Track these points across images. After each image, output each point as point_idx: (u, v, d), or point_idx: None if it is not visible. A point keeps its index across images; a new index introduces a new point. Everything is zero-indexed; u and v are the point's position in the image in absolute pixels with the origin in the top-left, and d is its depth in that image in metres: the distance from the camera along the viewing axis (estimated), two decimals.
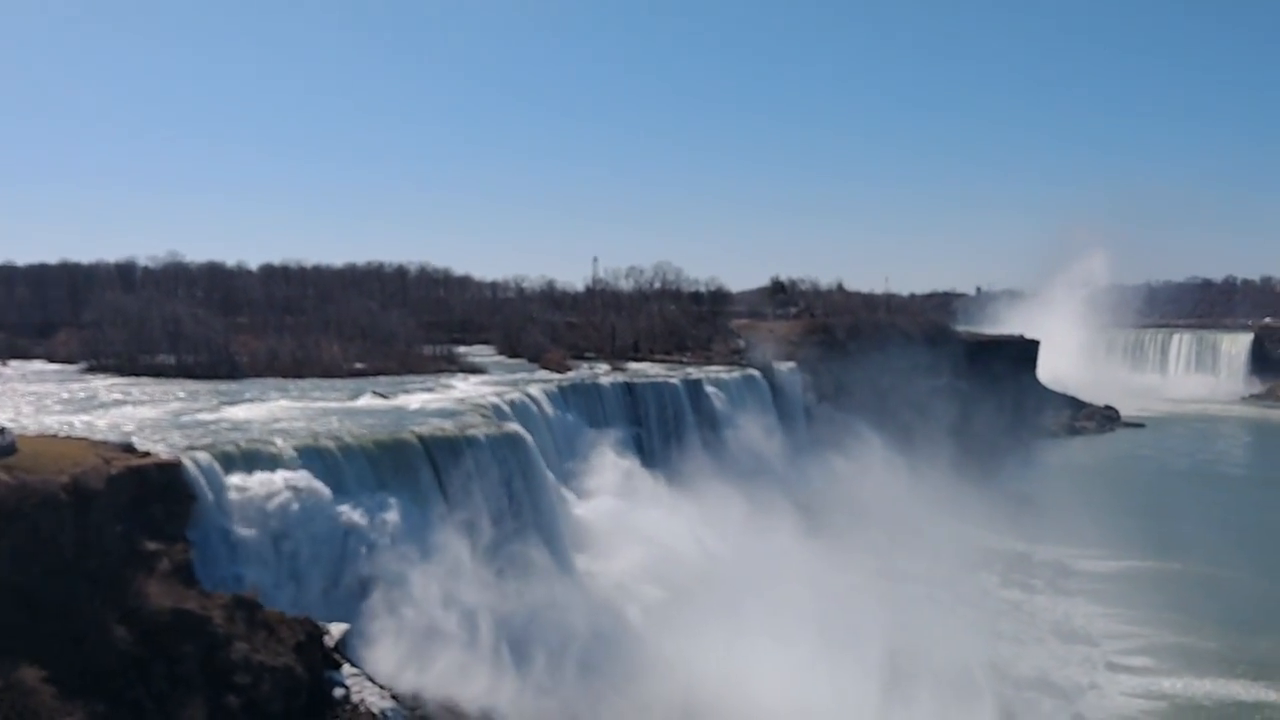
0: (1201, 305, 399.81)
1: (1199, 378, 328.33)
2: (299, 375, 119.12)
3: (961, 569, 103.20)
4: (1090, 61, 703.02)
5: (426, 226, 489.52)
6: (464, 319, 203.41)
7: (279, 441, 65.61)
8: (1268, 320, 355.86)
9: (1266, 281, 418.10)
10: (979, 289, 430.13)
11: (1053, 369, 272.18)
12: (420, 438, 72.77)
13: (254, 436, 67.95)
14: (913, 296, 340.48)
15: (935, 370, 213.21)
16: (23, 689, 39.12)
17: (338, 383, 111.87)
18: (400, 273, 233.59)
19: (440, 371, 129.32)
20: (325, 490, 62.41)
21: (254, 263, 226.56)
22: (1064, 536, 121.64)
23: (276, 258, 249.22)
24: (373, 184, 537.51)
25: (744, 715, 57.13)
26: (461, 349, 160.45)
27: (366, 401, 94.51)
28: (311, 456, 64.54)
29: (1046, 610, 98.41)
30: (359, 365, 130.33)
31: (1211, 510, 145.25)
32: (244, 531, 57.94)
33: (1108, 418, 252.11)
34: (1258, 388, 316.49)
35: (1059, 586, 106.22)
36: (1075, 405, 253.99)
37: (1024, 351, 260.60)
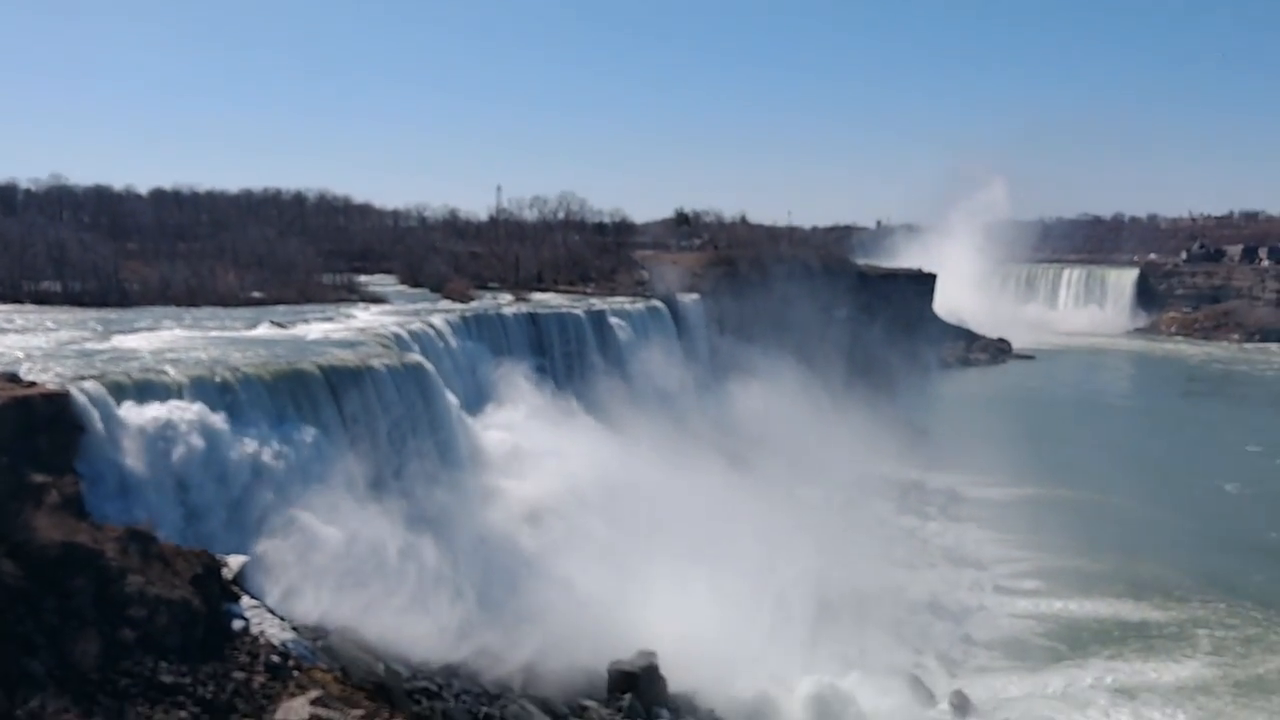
0: (1091, 241, 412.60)
1: (1087, 311, 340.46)
2: (193, 304, 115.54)
3: (858, 496, 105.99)
4: None
5: (326, 153, 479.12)
6: (365, 248, 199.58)
7: (173, 371, 63.76)
8: (1152, 256, 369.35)
9: (1152, 219, 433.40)
10: (878, 223, 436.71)
11: (949, 302, 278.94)
12: (320, 368, 71.41)
13: (146, 366, 65.84)
14: (814, 229, 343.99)
15: (835, 302, 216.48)
16: None
17: (234, 311, 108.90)
18: (298, 200, 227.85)
19: (340, 301, 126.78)
20: (221, 422, 60.97)
21: (143, 187, 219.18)
22: (956, 465, 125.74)
23: (168, 182, 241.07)
24: (270, 109, 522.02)
25: (640, 637, 58.04)
26: (362, 278, 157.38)
27: (264, 331, 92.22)
28: (207, 387, 62.92)
29: (939, 536, 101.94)
30: (256, 294, 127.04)
31: (1096, 439, 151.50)
32: (136, 464, 56.32)
33: (1000, 350, 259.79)
34: (1142, 321, 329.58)
35: (951, 513, 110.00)
36: (969, 337, 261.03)
37: (921, 284, 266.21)
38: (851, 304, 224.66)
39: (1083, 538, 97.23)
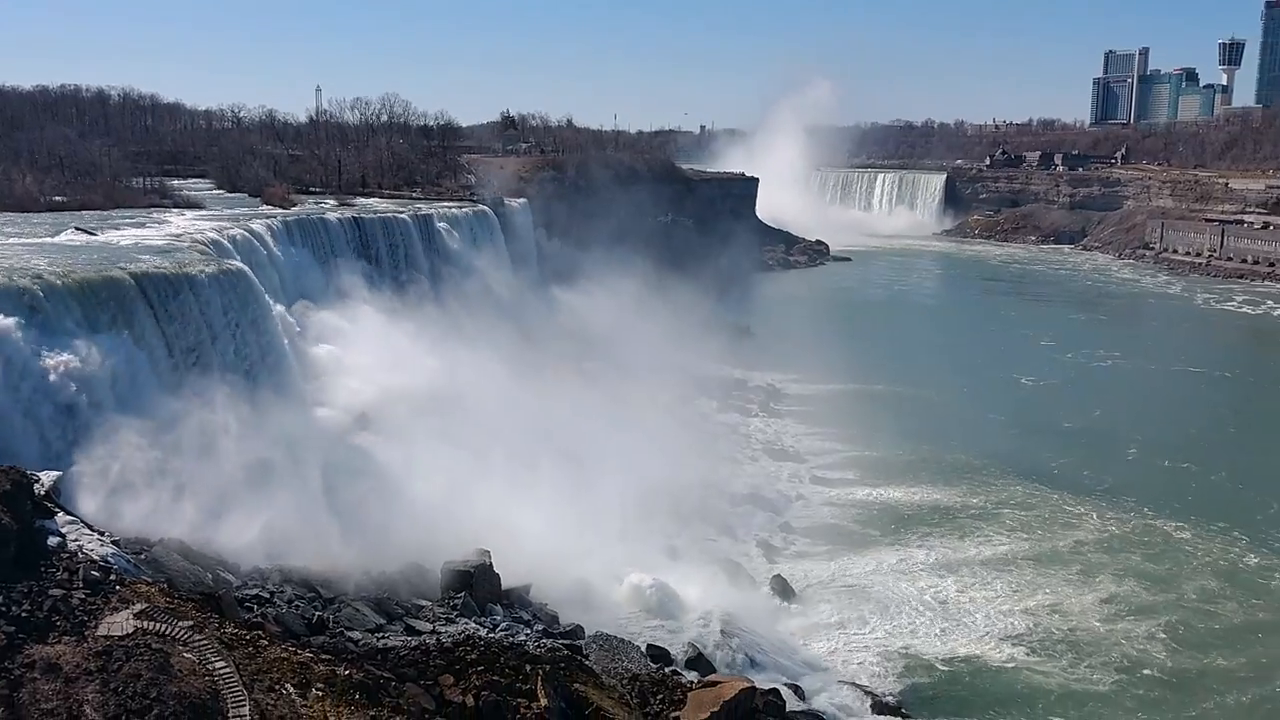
0: (903, 147, 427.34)
1: (900, 214, 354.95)
2: None
3: (684, 395, 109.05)
4: None
5: (128, 50, 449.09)
6: (176, 150, 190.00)
7: None
8: (959, 161, 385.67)
9: (959, 125, 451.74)
10: (703, 128, 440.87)
11: (770, 206, 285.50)
12: (134, 276, 68.42)
13: None
14: (640, 134, 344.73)
15: (661, 207, 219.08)
16: None
17: (34, 217, 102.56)
18: (100, 98, 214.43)
19: (152, 206, 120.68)
20: (26, 333, 58.05)
21: None
22: (776, 363, 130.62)
23: None
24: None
25: (474, 537, 59.09)
26: (175, 182, 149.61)
27: (69, 238, 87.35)
28: (8, 297, 59.60)
29: (760, 431, 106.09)
30: (58, 199, 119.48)
31: (907, 336, 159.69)
32: None
33: (818, 252, 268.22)
34: (950, 224, 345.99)
35: (771, 409, 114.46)
36: (789, 240, 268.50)
37: (744, 189, 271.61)
38: (676, 208, 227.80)
39: (893, 429, 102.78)
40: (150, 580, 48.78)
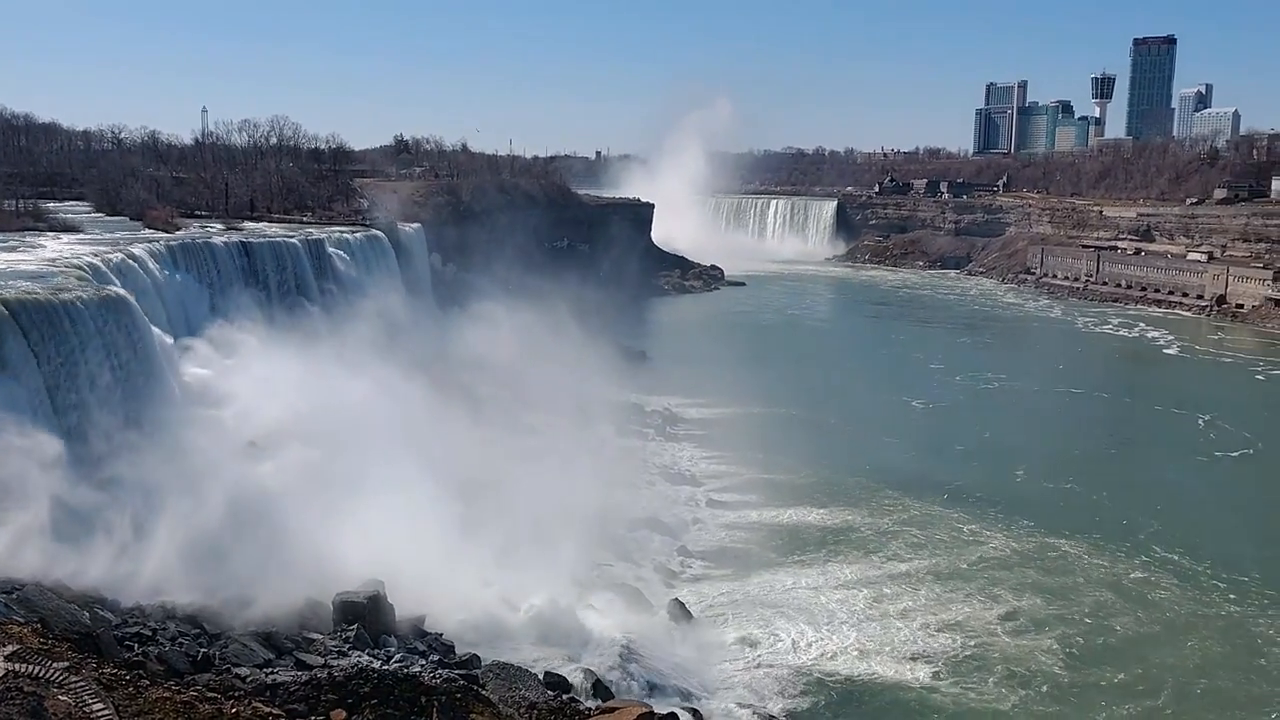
0: (795, 174, 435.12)
1: (793, 240, 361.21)
2: None
3: (581, 421, 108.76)
4: None
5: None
6: (52, 172, 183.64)
7: None
8: (849, 188, 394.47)
9: (849, 153, 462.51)
10: (598, 153, 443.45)
11: (665, 231, 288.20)
12: (5, 302, 65.59)
13: None
14: (536, 159, 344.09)
15: (557, 232, 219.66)
16: None
17: None
18: None
19: (25, 229, 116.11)
20: None
21: None
22: (673, 387, 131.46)
23: None
24: None
25: (366, 568, 57.98)
26: (51, 205, 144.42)
27: None
28: None
29: (656, 455, 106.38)
30: None
31: (801, 359, 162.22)
32: None
33: (713, 276, 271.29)
34: (841, 249, 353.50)
35: (668, 433, 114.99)
36: (685, 265, 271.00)
37: (639, 214, 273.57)
38: (572, 233, 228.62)
39: (788, 452, 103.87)
40: (22, 620, 46.65)
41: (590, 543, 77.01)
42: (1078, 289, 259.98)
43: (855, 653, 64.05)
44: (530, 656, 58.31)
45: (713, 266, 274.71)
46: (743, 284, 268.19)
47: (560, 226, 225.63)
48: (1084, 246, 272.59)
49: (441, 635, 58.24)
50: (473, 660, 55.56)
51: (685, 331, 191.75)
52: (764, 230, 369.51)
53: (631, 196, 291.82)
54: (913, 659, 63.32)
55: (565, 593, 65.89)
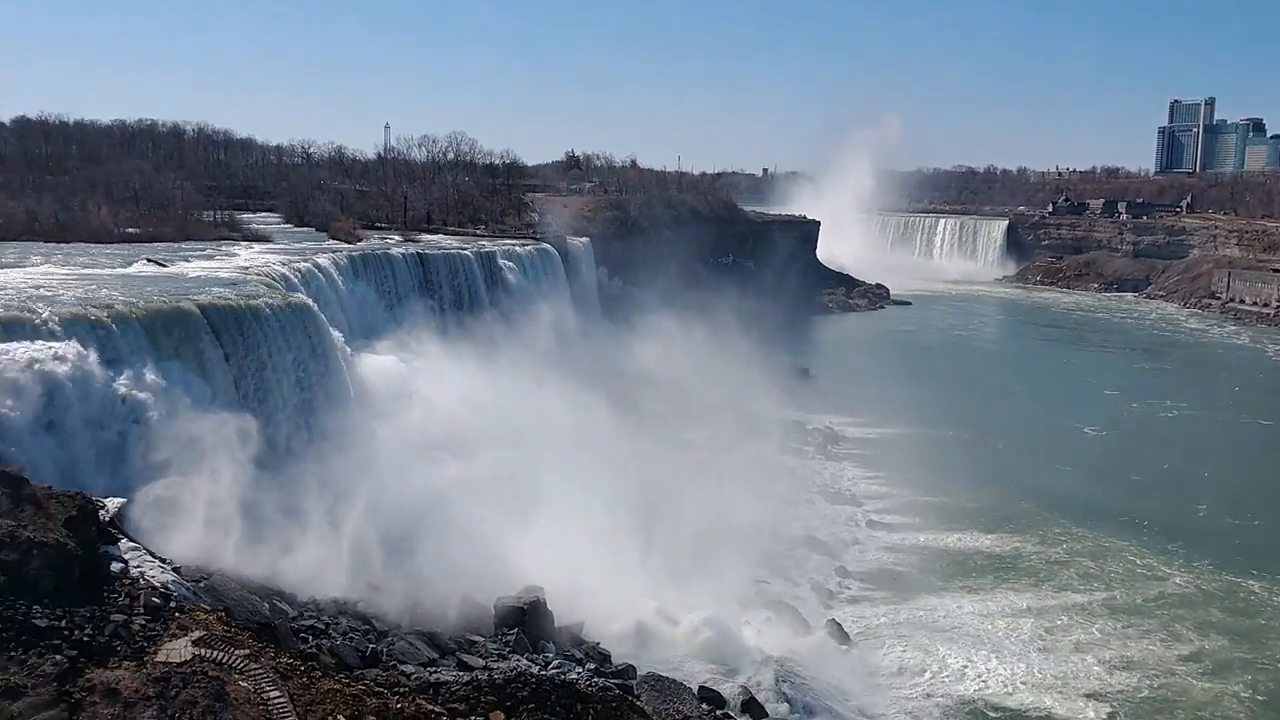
0: (965, 192, 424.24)
1: (961, 260, 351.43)
2: (62, 240, 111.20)
3: (741, 437, 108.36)
4: None
5: (204, 86, 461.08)
6: (247, 185, 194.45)
7: (43, 310, 61.74)
8: (1021, 208, 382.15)
9: (1022, 172, 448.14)
10: (765, 170, 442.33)
11: (830, 249, 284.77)
12: (201, 307, 69.81)
13: (13, 304, 63.65)
14: (703, 175, 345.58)
15: (722, 248, 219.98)
16: None
17: (108, 248, 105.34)
18: (176, 133, 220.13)
19: (222, 239, 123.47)
20: (96, 362, 59.45)
21: (6, 115, 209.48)
22: (835, 405, 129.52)
23: (32, 110, 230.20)
24: (143, 37, 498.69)
25: (527, 573, 59.06)
26: (245, 216, 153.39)
27: (140, 269, 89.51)
28: (80, 326, 61.05)
29: (817, 474, 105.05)
30: (131, 230, 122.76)
31: (968, 381, 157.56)
32: (4, 405, 54.76)
33: (879, 295, 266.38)
34: (1011, 270, 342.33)
35: (829, 452, 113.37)
36: (849, 283, 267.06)
37: (804, 231, 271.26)
38: (737, 249, 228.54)
39: (953, 475, 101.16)
40: (209, 608, 49.32)
41: (748, 559, 76.59)
42: (1268, 315, 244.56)
43: (1026, 686, 61.57)
44: (686, 670, 58.26)
45: (878, 285, 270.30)
46: (908, 303, 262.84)
47: (725, 242, 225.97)
48: (1275, 271, 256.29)
49: (599, 644, 58.81)
50: (628, 670, 55.89)
51: (848, 349, 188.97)
52: (931, 249, 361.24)
53: (797, 213, 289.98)
54: (1089, 697, 60.44)
55: (723, 608, 65.57)
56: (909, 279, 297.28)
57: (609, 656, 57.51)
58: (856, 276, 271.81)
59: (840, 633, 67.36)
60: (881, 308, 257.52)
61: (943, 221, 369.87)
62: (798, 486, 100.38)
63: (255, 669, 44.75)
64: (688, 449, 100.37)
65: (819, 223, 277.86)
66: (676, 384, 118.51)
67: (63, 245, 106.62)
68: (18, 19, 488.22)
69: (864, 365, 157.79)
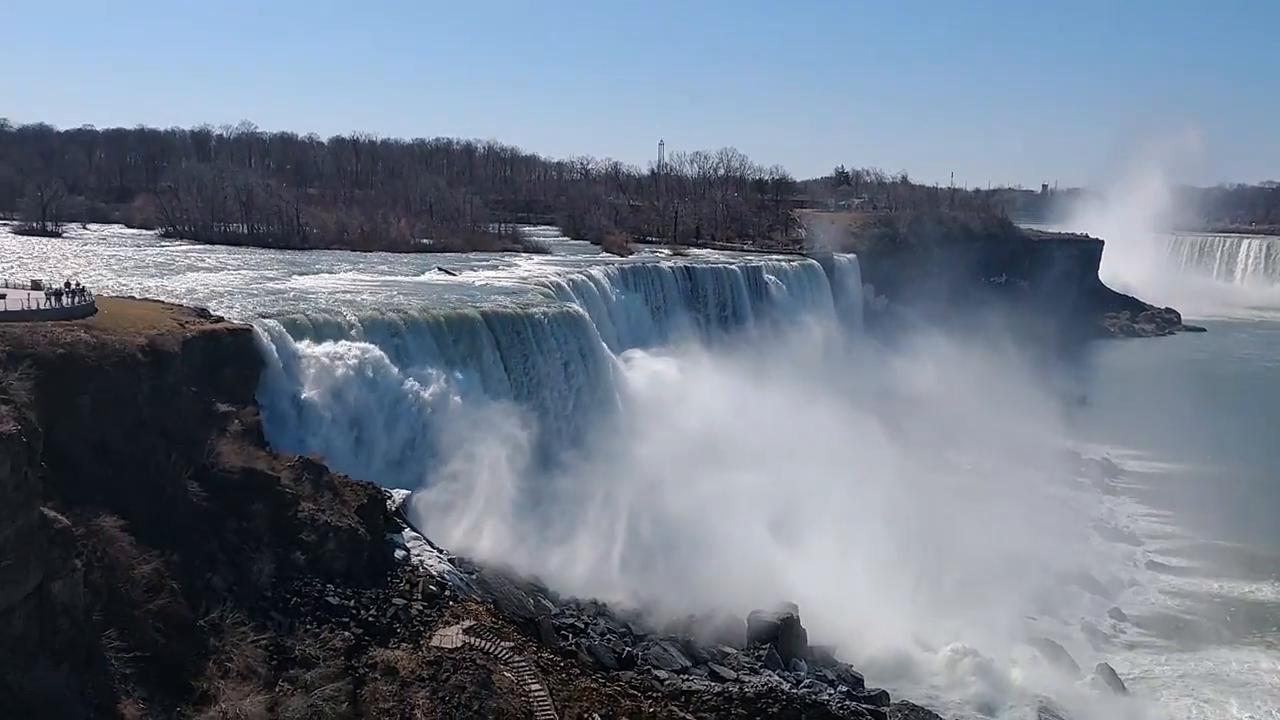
0: (1275, 210, 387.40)
1: (1266, 284, 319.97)
2: (367, 248, 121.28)
3: (1009, 464, 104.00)
4: None
5: (495, 106, 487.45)
6: (529, 199, 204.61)
7: (347, 313, 67.43)
8: None
9: None
10: (1045, 186, 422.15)
11: (1114, 270, 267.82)
12: (483, 314, 74.38)
13: (323, 307, 69.83)
14: (977, 192, 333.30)
15: (995, 267, 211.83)
16: (103, 536, 41.17)
17: (404, 257, 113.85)
18: (468, 150, 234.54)
19: (504, 250, 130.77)
20: (390, 362, 64.37)
21: (324, 135, 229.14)
22: (1114, 436, 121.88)
23: (347, 131, 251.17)
24: (443, 62, 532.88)
25: (782, 589, 59.00)
26: (526, 228, 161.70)
27: (431, 277, 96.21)
28: (378, 329, 66.44)
29: (1091, 507, 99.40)
30: (425, 241, 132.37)
31: (1268, 416, 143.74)
32: (311, 398, 60.01)
33: (1168, 320, 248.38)
34: None
35: (1105, 485, 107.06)
36: (1135, 307, 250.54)
37: (1086, 251, 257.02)
38: (1011, 269, 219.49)
39: (1248, 517, 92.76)
40: (479, 599, 52.32)
41: (1015, 593, 73.27)
42: None
43: None
44: (941, 702, 56.71)
45: (1167, 309, 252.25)
46: (1202, 330, 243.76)
47: (998, 261, 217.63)
48: None
49: (851, 666, 58.09)
50: (881, 697, 54.91)
51: (1131, 377, 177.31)
52: (1232, 272, 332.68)
53: (1079, 232, 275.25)
54: None
55: (984, 641, 63.19)
56: (1204, 304, 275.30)
57: (862, 681, 56.70)
58: (1143, 300, 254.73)
59: (1113, 678, 63.35)
60: (1170, 334, 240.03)
61: (1246, 242, 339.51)
62: (1071, 520, 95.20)
63: (519, 661, 47.08)
64: (953, 473, 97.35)
65: (1102, 242, 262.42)
66: (943, 405, 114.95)
67: (367, 254, 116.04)
68: (337, 55, 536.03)
69: (1148, 394, 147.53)
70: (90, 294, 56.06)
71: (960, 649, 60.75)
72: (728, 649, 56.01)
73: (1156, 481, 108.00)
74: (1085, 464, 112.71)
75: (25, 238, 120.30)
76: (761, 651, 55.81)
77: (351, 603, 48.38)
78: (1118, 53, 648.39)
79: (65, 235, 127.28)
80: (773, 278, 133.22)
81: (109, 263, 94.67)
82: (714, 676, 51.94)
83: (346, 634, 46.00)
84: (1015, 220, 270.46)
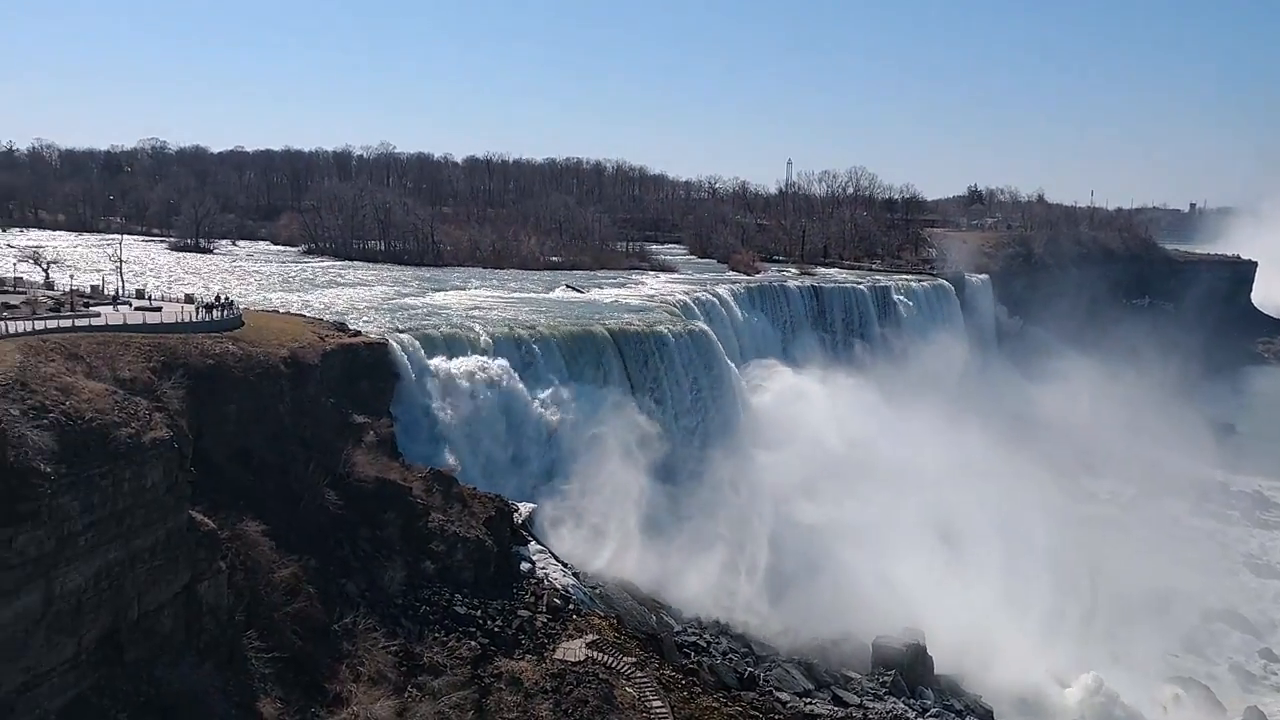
0: None
1: None
2: (498, 265, 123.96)
3: (1151, 493, 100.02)
4: None
5: (624, 125, 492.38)
6: (657, 217, 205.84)
7: (478, 329, 68.87)
8: None
9: None
10: (1193, 205, 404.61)
11: (1270, 292, 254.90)
12: (610, 332, 75.13)
13: (455, 323, 71.48)
14: (1119, 211, 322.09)
15: (1138, 289, 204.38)
16: (246, 540, 42.85)
17: (534, 274, 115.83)
18: (597, 170, 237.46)
19: (632, 268, 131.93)
20: (519, 378, 65.50)
21: (459, 155, 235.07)
22: (1266, 467, 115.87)
23: (480, 151, 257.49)
24: (575, 82, 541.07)
25: (908, 615, 57.82)
26: (653, 247, 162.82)
27: (561, 294, 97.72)
28: (508, 344, 67.69)
29: (1240, 542, 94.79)
30: (554, 258, 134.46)
31: None
32: (443, 411, 61.43)
33: None
34: None
35: (1256, 518, 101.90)
36: None
37: (1238, 273, 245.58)
38: (1155, 290, 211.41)
39: None
40: (602, 614, 52.70)
41: (1156, 628, 70.44)
42: None
43: None
44: None
45: None
46: None
47: (1141, 283, 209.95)
48: None
49: (980, 698, 56.59)
50: None
51: None
52: None
53: (1230, 252, 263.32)
54: None
55: (1122, 678, 60.90)
56: None
57: (992, 713, 55.29)
58: None
59: None
60: None
61: None
62: (1217, 554, 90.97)
63: (641, 677, 47.20)
64: (1091, 501, 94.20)
65: (1255, 263, 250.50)
66: (1080, 431, 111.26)
67: (498, 270, 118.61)
68: (473, 78, 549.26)
69: None
70: (238, 308, 58.42)
71: (1097, 685, 58.61)
72: (851, 674, 55.21)
73: None
74: (1234, 496, 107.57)
75: (180, 253, 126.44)
76: (886, 678, 54.84)
77: (478, 613, 49.23)
78: (1270, 61, 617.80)
79: (216, 251, 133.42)
80: (901, 297, 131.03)
81: (255, 278, 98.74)
82: (837, 701, 51.23)
83: (473, 643, 46.82)
84: (1160, 240, 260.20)
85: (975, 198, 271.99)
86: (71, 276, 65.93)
